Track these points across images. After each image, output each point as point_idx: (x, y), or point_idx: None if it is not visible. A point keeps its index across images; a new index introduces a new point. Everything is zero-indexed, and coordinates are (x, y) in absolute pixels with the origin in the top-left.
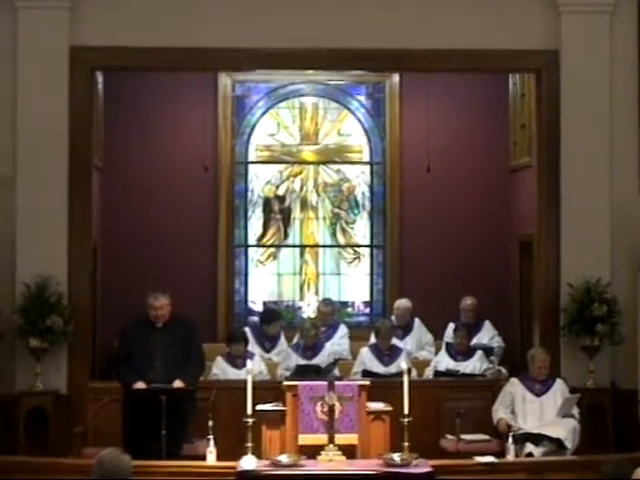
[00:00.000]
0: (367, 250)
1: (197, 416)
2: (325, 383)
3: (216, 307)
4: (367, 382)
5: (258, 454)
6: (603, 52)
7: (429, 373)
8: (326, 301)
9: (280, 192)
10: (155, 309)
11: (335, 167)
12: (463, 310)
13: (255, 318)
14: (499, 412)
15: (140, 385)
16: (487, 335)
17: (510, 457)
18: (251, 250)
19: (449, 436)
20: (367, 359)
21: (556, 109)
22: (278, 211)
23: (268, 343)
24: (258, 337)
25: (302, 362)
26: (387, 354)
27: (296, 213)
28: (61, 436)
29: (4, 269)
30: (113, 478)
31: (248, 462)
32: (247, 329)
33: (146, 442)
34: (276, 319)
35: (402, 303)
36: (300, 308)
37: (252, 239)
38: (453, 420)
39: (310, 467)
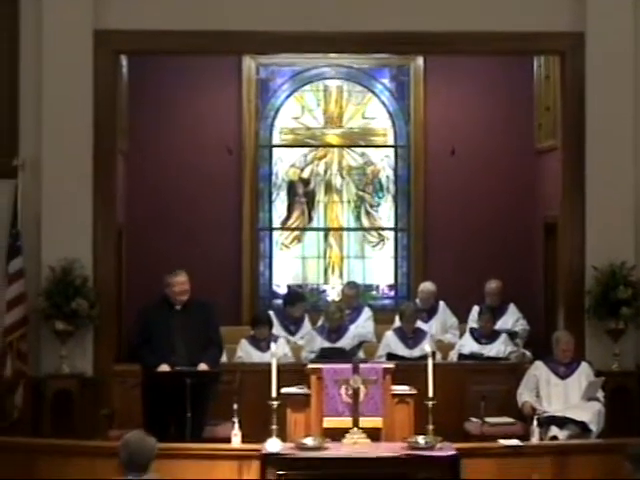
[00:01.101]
0: (391, 233)
1: (218, 399)
2: (350, 366)
3: (240, 290)
4: (391, 365)
5: (283, 437)
6: (628, 34)
7: (453, 356)
8: (350, 284)
9: (304, 175)
10: (175, 285)
11: (359, 150)
12: (488, 293)
13: (279, 301)
14: (524, 395)
15: (164, 368)
16: (512, 318)
17: (534, 440)
18: (275, 233)
19: (473, 419)
20: (392, 342)
21: (581, 91)
22: (302, 194)
23: (293, 326)
24: (282, 320)
25: (326, 345)
26: (411, 337)
27: (320, 196)
28: (87, 418)
29: (30, 252)
30: (139, 460)
31: (273, 445)
32: (271, 312)
33: (167, 425)
34: (300, 301)
35: (426, 286)
36: (324, 291)
37: (276, 222)
38: (477, 403)
39: (334, 450)
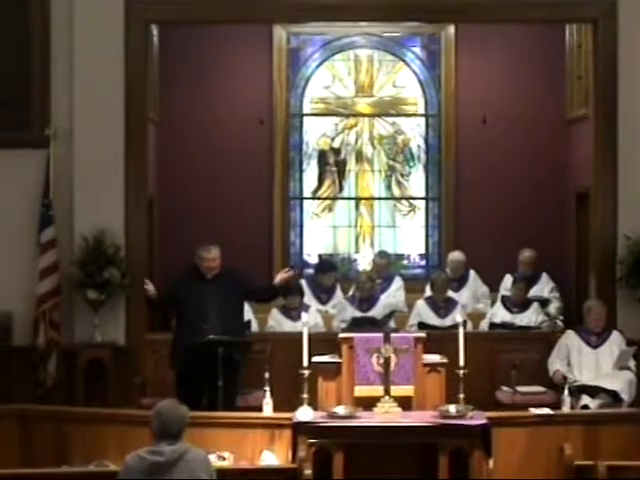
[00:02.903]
0: (422, 202)
1: (250, 367)
2: (381, 335)
3: (272, 259)
4: (423, 334)
5: (314, 406)
6: None
7: (484, 325)
8: (381, 253)
9: (335, 144)
10: (207, 261)
11: (390, 119)
12: (521, 262)
13: (310, 270)
14: (555, 364)
15: (149, 287)
16: (546, 287)
17: (566, 409)
18: (306, 203)
19: (505, 388)
20: (423, 311)
21: (613, 60)
22: (333, 164)
23: (324, 295)
24: (314, 289)
25: (358, 314)
26: (443, 307)
27: (351, 165)
28: (119, 387)
29: (62, 222)
30: (171, 428)
31: (304, 413)
32: (303, 281)
33: (201, 393)
34: (331, 269)
35: (455, 256)
36: (355, 261)
37: (307, 192)
38: (508, 372)
39: (366, 419)
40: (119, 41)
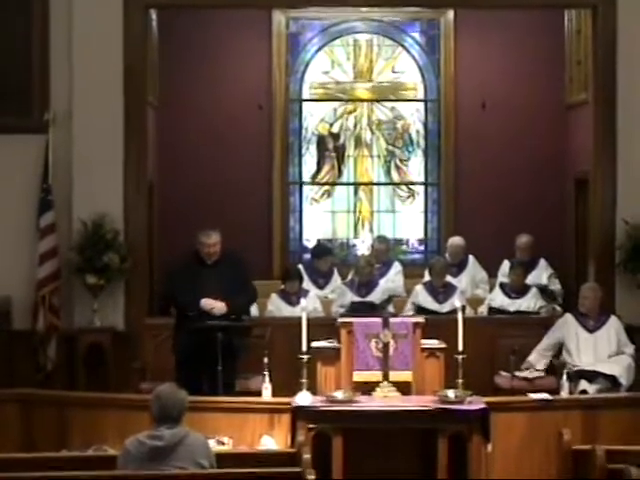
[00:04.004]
0: (421, 188)
1: (249, 352)
2: (380, 320)
3: (271, 244)
4: (421, 319)
5: (313, 390)
6: None
7: (483, 310)
8: (380, 238)
9: (334, 130)
10: (207, 246)
11: (389, 105)
12: (518, 248)
13: (309, 255)
14: (544, 342)
15: (208, 302)
16: (544, 273)
17: (564, 394)
18: (305, 188)
19: (503, 373)
20: (421, 296)
21: (612, 45)
22: (332, 149)
23: (322, 280)
24: (311, 274)
25: (357, 299)
26: (441, 292)
27: (350, 151)
28: (119, 372)
29: (61, 206)
30: (170, 412)
31: (303, 398)
32: (301, 266)
33: (200, 378)
34: (326, 254)
35: (455, 241)
36: (354, 246)
37: (306, 176)
38: (507, 357)
39: (365, 403)
40: (118, 26)
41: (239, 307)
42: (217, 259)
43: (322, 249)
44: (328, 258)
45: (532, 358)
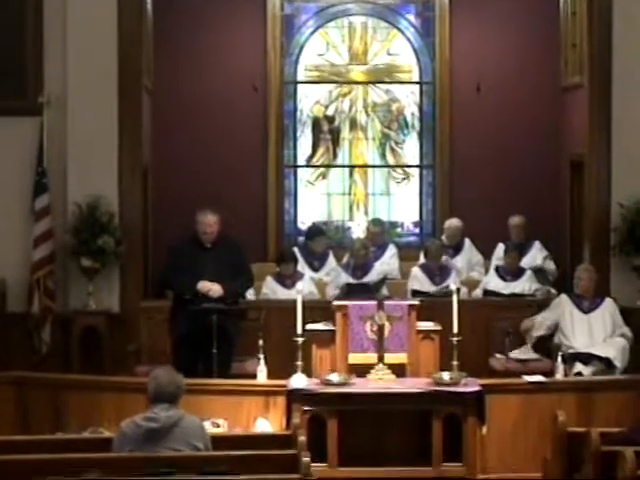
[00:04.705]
0: (416, 170)
1: (244, 335)
2: (375, 303)
3: (266, 227)
4: (416, 302)
5: (308, 373)
6: None
7: (478, 293)
8: (375, 221)
9: (329, 112)
10: (204, 226)
11: (384, 87)
12: (511, 229)
13: (302, 238)
14: (538, 318)
15: (205, 285)
16: (539, 255)
17: (559, 376)
18: (300, 170)
19: (498, 355)
20: (418, 278)
21: (608, 28)
22: (327, 131)
23: (317, 262)
24: (306, 256)
25: (352, 281)
26: (437, 274)
27: (345, 133)
28: (114, 354)
29: (56, 189)
30: (166, 394)
31: (298, 381)
32: (295, 249)
33: (196, 360)
34: (319, 235)
35: (453, 223)
36: (349, 228)
37: (301, 159)
38: (502, 339)
39: (360, 386)
40: (113, 8)
41: (236, 291)
42: (215, 242)
43: (315, 230)
44: (322, 239)
45: (538, 320)
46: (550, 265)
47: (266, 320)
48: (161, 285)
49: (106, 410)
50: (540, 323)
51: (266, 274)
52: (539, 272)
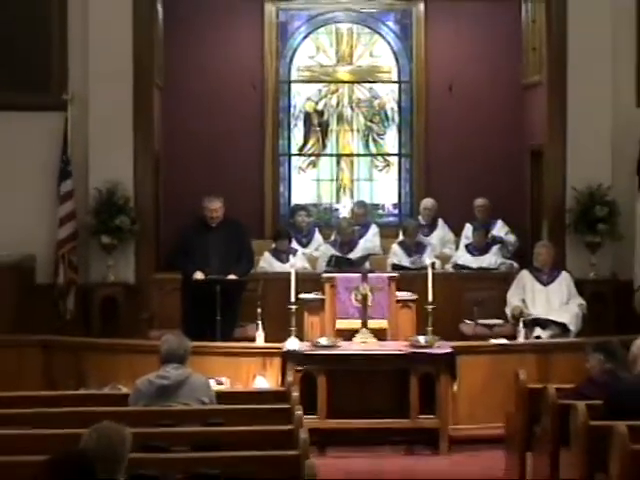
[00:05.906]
0: (396, 159)
1: (245, 304)
2: (359, 275)
3: (263, 208)
4: (396, 274)
5: (301, 337)
6: None
7: (450, 266)
8: (360, 203)
9: (319, 107)
10: (210, 211)
11: (367, 85)
12: (476, 209)
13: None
14: (513, 300)
15: (199, 275)
16: (502, 231)
17: (521, 339)
18: (293, 158)
19: (468, 321)
20: (397, 254)
21: (563, 33)
22: (317, 124)
23: (304, 239)
24: (295, 234)
25: (338, 254)
26: (414, 250)
27: (333, 126)
28: (130, 321)
29: (78, 175)
30: (176, 354)
31: (292, 343)
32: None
33: (202, 326)
34: (299, 209)
35: (429, 201)
36: (337, 210)
37: (294, 149)
38: (471, 308)
39: (346, 348)
40: (128, 16)
41: (243, 273)
42: (220, 223)
43: (295, 206)
44: (302, 213)
45: (515, 302)
46: (510, 237)
47: (264, 290)
48: (172, 265)
49: (122, 369)
50: (517, 306)
51: (263, 250)
52: (502, 242)
